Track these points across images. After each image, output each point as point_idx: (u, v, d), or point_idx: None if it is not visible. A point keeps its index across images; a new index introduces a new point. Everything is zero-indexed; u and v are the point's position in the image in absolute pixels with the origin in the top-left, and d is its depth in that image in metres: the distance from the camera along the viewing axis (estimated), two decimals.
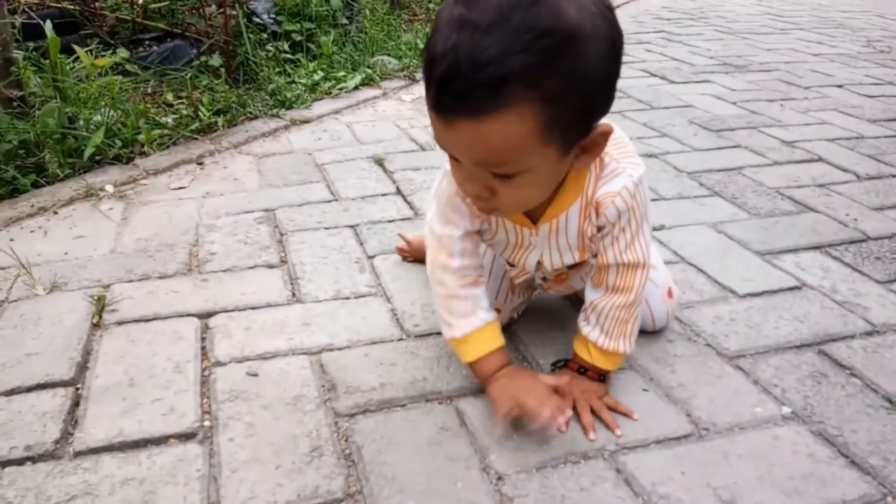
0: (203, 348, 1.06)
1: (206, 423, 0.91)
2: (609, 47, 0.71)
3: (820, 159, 1.95)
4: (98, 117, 1.86)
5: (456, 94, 0.69)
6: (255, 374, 1.00)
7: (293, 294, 1.21)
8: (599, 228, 0.92)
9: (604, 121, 0.78)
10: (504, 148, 0.72)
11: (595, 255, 0.95)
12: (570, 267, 1.03)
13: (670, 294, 1.11)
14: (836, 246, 1.45)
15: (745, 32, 3.90)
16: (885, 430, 0.94)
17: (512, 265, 1.05)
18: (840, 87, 2.75)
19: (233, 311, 1.15)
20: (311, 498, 0.80)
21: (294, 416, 0.93)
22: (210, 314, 1.14)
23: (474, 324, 0.95)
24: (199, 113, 2.07)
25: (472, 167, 0.77)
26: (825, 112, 2.39)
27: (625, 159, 0.89)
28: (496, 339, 0.97)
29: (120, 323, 1.12)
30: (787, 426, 0.94)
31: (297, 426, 0.91)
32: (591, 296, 0.98)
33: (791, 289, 1.28)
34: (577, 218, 0.91)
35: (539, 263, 0.99)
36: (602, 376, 0.98)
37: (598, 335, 0.96)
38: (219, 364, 1.02)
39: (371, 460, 0.86)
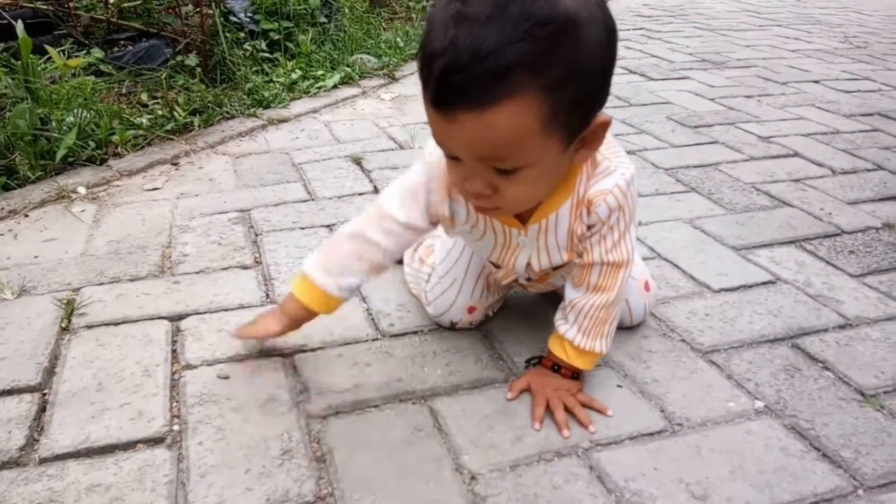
0: (174, 351, 1.05)
1: (176, 428, 0.90)
2: (605, 34, 0.72)
3: (796, 154, 1.96)
4: (70, 118, 1.84)
5: (458, 86, 0.68)
6: (227, 377, 0.99)
7: (267, 295, 1.20)
8: (589, 227, 0.91)
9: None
10: (508, 139, 0.72)
11: (580, 255, 0.95)
12: (556, 267, 1.02)
13: (647, 287, 1.11)
14: (811, 240, 1.46)
15: (724, 29, 3.92)
16: (856, 423, 0.94)
17: (497, 266, 1.04)
18: (817, 82, 2.77)
19: (205, 313, 1.14)
20: (282, 501, 0.79)
21: (265, 418, 0.92)
22: (181, 316, 1.13)
23: (317, 279, 0.95)
24: (175, 113, 2.05)
25: (474, 163, 0.76)
26: (802, 108, 2.41)
27: (616, 158, 0.89)
28: (318, 305, 0.96)
29: (89, 326, 1.10)
30: (760, 420, 0.94)
31: (268, 429, 0.90)
32: (570, 295, 0.97)
33: (765, 283, 1.29)
34: (567, 218, 0.91)
35: (528, 265, 0.98)
36: (576, 374, 0.98)
37: (575, 334, 0.96)
38: (189, 367, 1.01)
39: (343, 462, 0.85)
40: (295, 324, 0.99)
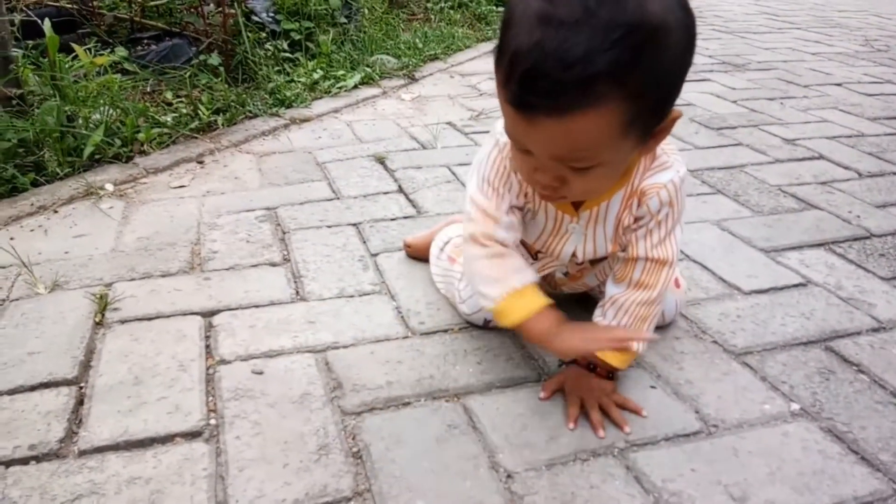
0: (207, 346, 1.05)
1: (213, 422, 0.90)
2: (687, 38, 0.72)
3: (821, 157, 1.95)
4: (97, 116, 1.85)
5: (542, 92, 0.68)
6: (261, 372, 0.99)
7: (297, 292, 1.21)
8: (637, 219, 0.91)
9: None
10: (587, 144, 0.72)
11: (624, 249, 0.95)
12: (593, 262, 1.02)
13: (678, 284, 1.11)
14: (840, 243, 1.45)
15: (743, 32, 3.90)
16: (894, 427, 0.93)
17: (537, 256, 1.04)
18: (839, 85, 2.75)
19: (236, 309, 1.14)
20: (320, 496, 0.79)
21: (301, 414, 0.92)
22: (213, 312, 1.13)
23: (528, 276, 0.91)
24: (199, 112, 2.06)
25: (548, 160, 0.76)
26: (825, 110, 2.39)
27: (673, 154, 0.90)
28: (539, 299, 0.91)
29: (123, 321, 1.11)
30: (796, 423, 0.94)
31: (303, 424, 0.90)
32: (611, 291, 0.97)
33: (796, 286, 1.28)
34: (617, 207, 0.91)
35: (572, 255, 0.98)
36: (611, 374, 0.97)
37: None
38: (223, 362, 1.01)
39: (379, 458, 0.85)
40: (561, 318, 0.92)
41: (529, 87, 0.68)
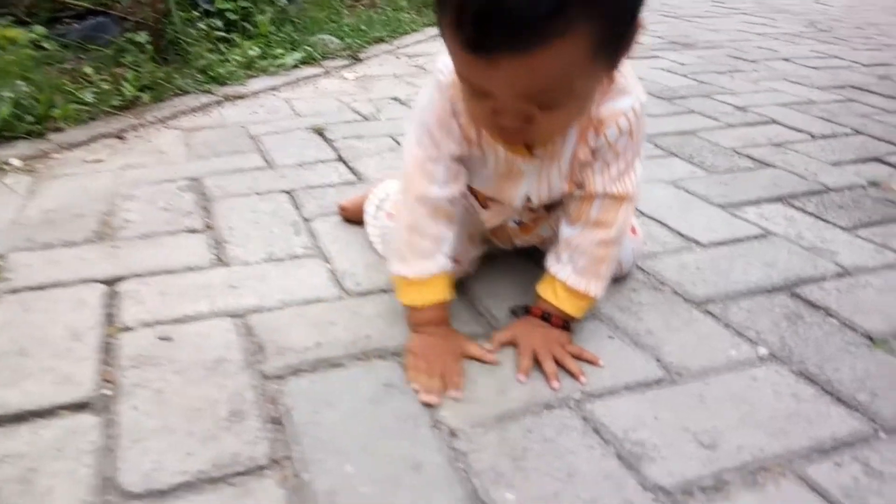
0: (109, 315, 0.92)
1: (107, 392, 0.78)
2: None
3: (773, 122, 1.91)
4: (7, 92, 1.69)
5: (503, 29, 0.59)
6: (169, 339, 0.87)
7: (218, 258, 1.08)
8: (594, 152, 0.83)
9: None
10: (558, 77, 0.64)
11: (580, 186, 0.86)
12: (548, 208, 0.93)
13: (634, 231, 1.03)
14: (798, 197, 1.39)
15: (690, 16, 3.90)
16: (869, 367, 0.86)
17: (486, 205, 0.95)
18: (786, 60, 2.74)
19: (146, 276, 1.02)
20: (229, 465, 0.68)
21: (213, 380, 0.80)
22: (119, 279, 1.01)
23: (430, 268, 0.86)
24: (123, 89, 1.92)
25: (512, 101, 0.67)
26: (774, 81, 2.37)
27: (632, 78, 0.81)
28: (446, 291, 0.88)
29: (14, 291, 0.97)
30: (766, 367, 0.86)
31: (215, 390, 0.78)
32: (566, 232, 0.88)
33: (756, 237, 1.21)
34: (573, 140, 0.82)
35: (526, 200, 0.89)
36: (566, 324, 0.88)
37: (568, 273, 0.87)
38: (126, 329, 0.89)
39: (302, 422, 0.74)
40: (449, 320, 0.90)
41: (487, 28, 0.59)
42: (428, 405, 0.77)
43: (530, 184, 0.87)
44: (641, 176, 0.87)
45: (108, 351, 0.85)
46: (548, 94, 0.66)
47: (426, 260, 0.86)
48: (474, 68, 0.65)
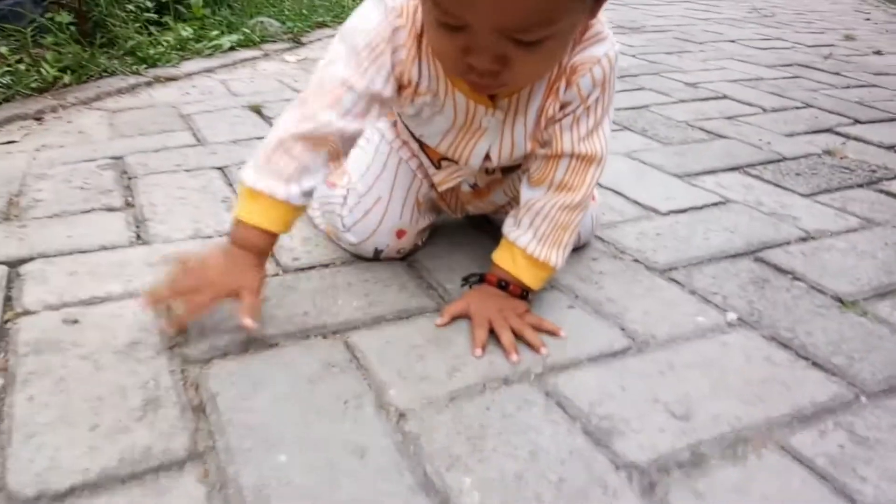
0: (8, 298, 0.81)
1: None
2: None
3: (725, 97, 1.89)
4: None
5: None
6: (76, 321, 0.76)
7: (137, 236, 0.98)
8: (563, 106, 0.75)
9: None
10: (544, 11, 0.57)
11: (545, 145, 0.78)
12: (505, 171, 0.86)
13: (593, 197, 0.96)
14: (755, 166, 1.36)
15: (635, 3, 3.90)
16: (842, 329, 0.82)
17: (441, 164, 0.86)
18: (733, 42, 2.75)
19: (54, 256, 0.90)
20: (140, 461, 0.58)
21: (124, 365, 0.70)
22: (23, 261, 0.89)
23: (277, 191, 0.72)
24: (42, 70, 1.77)
25: (489, 35, 0.58)
26: (722, 60, 2.36)
27: (608, 25, 0.74)
28: (279, 224, 0.74)
29: None
30: (735, 332, 0.80)
31: (127, 377, 0.68)
32: (527, 195, 0.81)
33: (715, 204, 1.17)
34: (542, 92, 0.74)
35: (485, 158, 0.81)
36: (524, 293, 0.81)
37: (529, 240, 0.79)
38: (27, 313, 0.78)
39: (229, 409, 0.65)
40: (263, 261, 0.76)
41: None
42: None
43: (491, 141, 0.79)
44: (610, 136, 0.80)
45: (2, 337, 0.73)
46: (532, 27, 0.58)
47: (278, 181, 0.72)
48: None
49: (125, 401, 0.65)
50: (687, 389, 0.70)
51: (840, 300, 0.88)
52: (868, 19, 3.73)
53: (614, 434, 0.64)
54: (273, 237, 0.75)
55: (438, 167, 0.87)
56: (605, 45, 0.73)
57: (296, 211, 0.75)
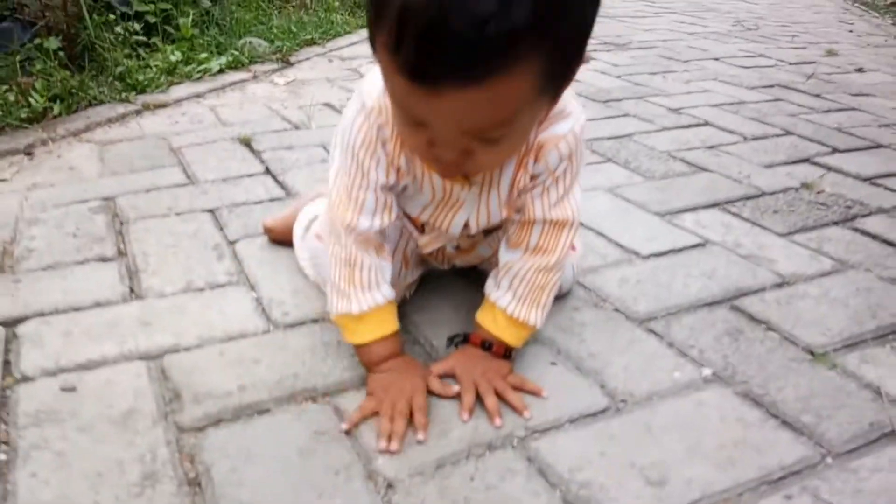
0: (6, 363, 0.83)
1: (2, 457, 0.69)
2: None
3: (707, 123, 1.92)
4: None
5: (449, 58, 0.53)
6: (73, 389, 0.78)
7: (131, 290, 1.00)
8: (533, 178, 0.79)
9: None
10: (505, 112, 0.59)
11: (519, 211, 0.82)
12: (486, 232, 0.89)
13: (573, 247, 0.99)
14: (734, 202, 1.40)
15: (622, 16, 3.94)
16: (812, 384, 0.85)
17: (423, 231, 0.90)
18: (717, 59, 2.79)
19: (50, 314, 0.92)
20: None
21: (122, 437, 0.72)
22: (19, 320, 0.91)
23: (377, 299, 0.80)
24: (31, 99, 1.78)
25: (452, 135, 0.61)
26: (706, 82, 2.40)
27: (572, 100, 0.77)
28: (394, 322, 0.83)
29: None
30: (710, 389, 0.84)
31: (125, 450, 0.71)
32: (505, 258, 0.84)
33: (695, 246, 1.20)
34: (512, 167, 0.78)
35: (464, 226, 0.84)
36: (507, 352, 0.84)
37: (508, 301, 0.83)
38: (25, 380, 0.80)
39: (223, 482, 0.67)
40: (391, 363, 0.83)
41: (430, 54, 0.53)
42: (388, 452, 0.72)
43: (469, 211, 0.83)
44: (580, 197, 0.84)
45: (3, 407, 0.76)
46: (495, 128, 0.61)
47: (371, 291, 0.80)
48: (413, 97, 0.59)
49: (123, 476, 0.67)
50: (663, 454, 0.73)
51: (811, 352, 0.92)
52: (851, 31, 3.78)
53: (592, 503, 0.67)
54: (399, 332, 0.83)
55: (422, 232, 0.90)
56: (570, 120, 0.76)
57: (394, 302, 0.83)
